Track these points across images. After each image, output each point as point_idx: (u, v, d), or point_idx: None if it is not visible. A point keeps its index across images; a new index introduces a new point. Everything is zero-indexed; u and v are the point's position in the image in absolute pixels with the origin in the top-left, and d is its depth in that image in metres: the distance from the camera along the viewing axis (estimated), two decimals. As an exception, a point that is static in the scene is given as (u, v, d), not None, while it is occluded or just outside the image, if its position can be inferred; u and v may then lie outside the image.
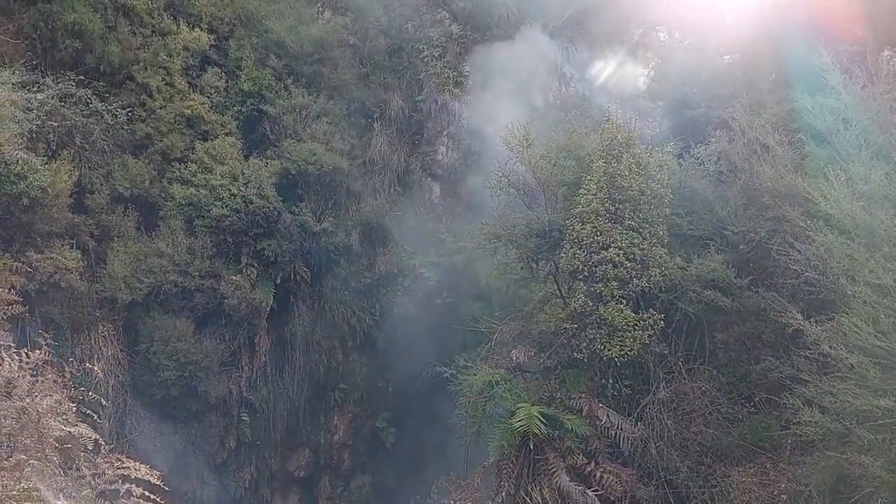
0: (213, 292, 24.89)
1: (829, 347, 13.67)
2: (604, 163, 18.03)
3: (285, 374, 29.03)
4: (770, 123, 18.35)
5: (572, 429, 17.65)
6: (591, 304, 17.70)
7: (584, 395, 18.25)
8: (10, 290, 13.98)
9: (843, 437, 13.39)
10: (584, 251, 17.80)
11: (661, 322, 17.72)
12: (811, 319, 14.76)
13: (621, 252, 17.34)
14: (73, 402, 11.13)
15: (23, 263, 19.37)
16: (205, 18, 27.29)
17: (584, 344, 17.88)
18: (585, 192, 18.10)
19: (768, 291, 17.22)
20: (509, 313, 21.80)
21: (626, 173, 17.73)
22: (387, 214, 30.51)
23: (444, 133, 32.83)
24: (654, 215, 18.02)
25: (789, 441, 16.36)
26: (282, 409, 29.05)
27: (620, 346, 17.29)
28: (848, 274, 14.15)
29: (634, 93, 29.95)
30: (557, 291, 20.46)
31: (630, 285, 17.42)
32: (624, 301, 17.48)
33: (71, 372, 11.87)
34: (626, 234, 17.60)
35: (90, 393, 12.09)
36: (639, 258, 17.50)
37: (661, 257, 17.72)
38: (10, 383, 10.16)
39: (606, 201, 17.75)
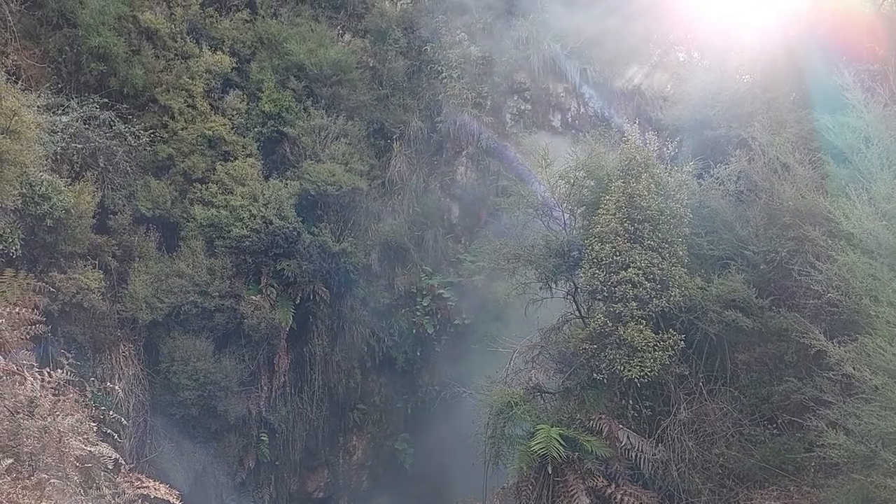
0: (232, 312, 25.06)
1: (853, 368, 13.47)
2: (623, 182, 17.98)
3: (304, 394, 29.08)
4: (790, 143, 18.22)
5: (592, 450, 17.49)
6: (610, 324, 17.58)
7: (603, 417, 18.08)
8: (33, 309, 14.12)
9: (869, 459, 13.15)
10: (603, 271, 17.71)
11: (682, 342, 17.52)
12: (834, 340, 14.53)
13: (641, 272, 17.22)
14: (93, 422, 11.20)
15: (46, 283, 19.59)
16: (226, 41, 27.77)
17: (604, 364, 17.76)
18: (604, 211, 18.04)
19: (790, 312, 16.95)
20: (528, 333, 21.70)
21: (646, 193, 17.66)
22: (406, 235, 30.61)
23: (463, 153, 33.04)
24: (674, 235, 17.91)
25: (813, 464, 16.09)
26: (301, 429, 29.06)
27: (640, 366, 17.14)
28: (871, 294, 13.99)
29: (653, 112, 29.98)
30: (577, 311, 20.39)
31: (650, 305, 17.29)
32: (644, 321, 17.33)
33: (92, 391, 11.92)
34: (646, 253, 17.48)
35: (111, 412, 12.15)
36: (658, 278, 17.37)
37: (680, 277, 17.58)
38: (33, 402, 10.25)
39: (625, 221, 17.67)
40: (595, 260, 17.90)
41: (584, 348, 18.42)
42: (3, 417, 9.63)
